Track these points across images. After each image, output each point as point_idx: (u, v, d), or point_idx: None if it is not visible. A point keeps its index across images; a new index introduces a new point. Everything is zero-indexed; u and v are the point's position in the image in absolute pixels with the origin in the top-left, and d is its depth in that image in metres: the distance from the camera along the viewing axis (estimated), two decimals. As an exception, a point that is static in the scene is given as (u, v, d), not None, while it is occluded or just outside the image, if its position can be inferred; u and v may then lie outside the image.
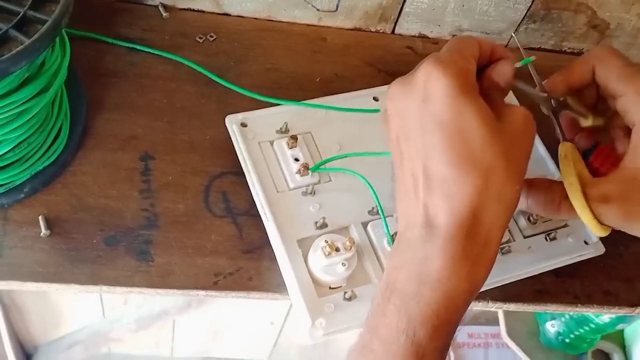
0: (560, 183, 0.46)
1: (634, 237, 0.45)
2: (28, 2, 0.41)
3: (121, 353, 1.25)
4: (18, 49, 0.39)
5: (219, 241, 0.52)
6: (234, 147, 0.55)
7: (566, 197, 0.45)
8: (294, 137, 0.55)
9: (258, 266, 0.51)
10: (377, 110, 0.59)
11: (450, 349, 0.49)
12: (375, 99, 0.60)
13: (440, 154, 0.39)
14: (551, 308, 0.56)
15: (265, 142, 0.55)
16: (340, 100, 0.59)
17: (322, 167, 0.55)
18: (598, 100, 0.51)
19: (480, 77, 0.44)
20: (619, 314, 0.73)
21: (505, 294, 0.54)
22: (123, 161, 0.53)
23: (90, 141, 0.54)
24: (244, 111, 0.56)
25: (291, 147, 0.55)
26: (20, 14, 0.40)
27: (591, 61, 0.49)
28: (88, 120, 0.54)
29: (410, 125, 0.41)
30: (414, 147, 0.41)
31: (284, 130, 0.56)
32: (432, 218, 0.40)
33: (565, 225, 0.57)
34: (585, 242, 0.57)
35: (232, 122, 0.55)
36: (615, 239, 0.51)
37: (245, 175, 0.54)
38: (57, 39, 0.47)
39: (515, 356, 1.15)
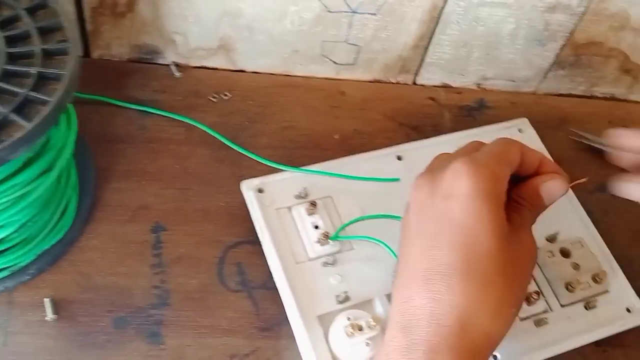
0: None
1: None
2: (30, 83, 0.39)
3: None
4: (17, 136, 0.36)
5: (234, 318, 0.49)
6: (249, 214, 0.52)
7: None
8: (313, 203, 0.52)
9: (276, 345, 0.48)
10: (397, 180, 0.55)
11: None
12: (399, 157, 0.57)
13: (443, 253, 0.38)
14: (593, 381, 0.52)
15: (283, 209, 0.52)
16: (362, 161, 0.56)
17: (344, 234, 0.52)
18: None
19: (524, 184, 0.42)
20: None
21: (543, 368, 0.50)
22: (133, 234, 0.51)
23: (98, 213, 0.51)
24: (260, 174, 0.54)
25: (310, 214, 0.52)
26: (22, 97, 0.38)
27: None
28: (96, 190, 0.52)
29: (426, 220, 0.39)
30: (420, 243, 0.39)
31: (303, 196, 0.53)
32: (413, 324, 0.37)
33: (605, 292, 0.53)
34: (628, 310, 0.53)
35: (248, 188, 0.53)
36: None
37: (261, 244, 0.51)
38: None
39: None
